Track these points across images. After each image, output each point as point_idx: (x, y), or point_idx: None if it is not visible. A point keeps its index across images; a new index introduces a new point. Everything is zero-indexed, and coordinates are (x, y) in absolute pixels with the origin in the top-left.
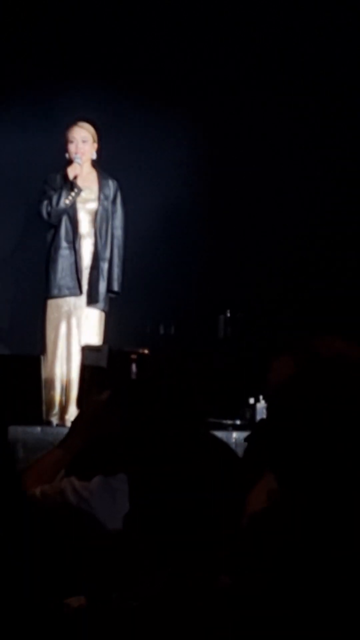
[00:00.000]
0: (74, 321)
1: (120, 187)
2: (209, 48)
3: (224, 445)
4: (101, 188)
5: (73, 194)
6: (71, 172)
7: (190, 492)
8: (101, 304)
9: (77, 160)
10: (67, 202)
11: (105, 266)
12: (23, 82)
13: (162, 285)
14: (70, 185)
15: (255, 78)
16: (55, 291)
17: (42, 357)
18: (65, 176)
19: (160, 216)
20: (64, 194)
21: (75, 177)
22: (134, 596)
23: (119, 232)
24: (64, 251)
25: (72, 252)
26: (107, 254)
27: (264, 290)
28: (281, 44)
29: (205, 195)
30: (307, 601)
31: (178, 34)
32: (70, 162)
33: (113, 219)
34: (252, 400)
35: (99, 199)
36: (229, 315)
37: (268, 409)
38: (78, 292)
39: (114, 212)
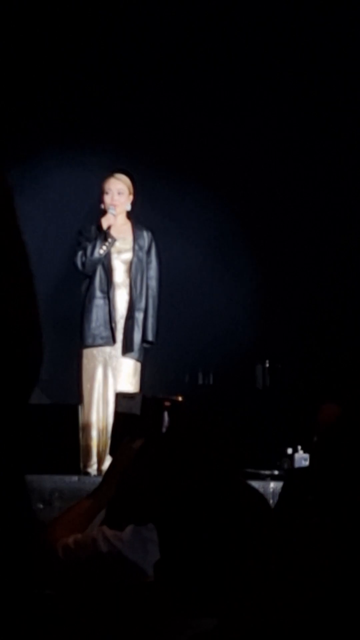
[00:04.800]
0: (109, 370)
1: (155, 238)
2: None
3: (257, 494)
4: (136, 239)
5: (107, 244)
6: (105, 222)
7: (221, 541)
8: (136, 353)
9: (111, 211)
10: (102, 252)
11: (140, 316)
12: (57, 135)
13: (201, 335)
14: (104, 235)
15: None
16: (89, 340)
17: (79, 406)
18: (100, 227)
19: (201, 266)
20: (98, 244)
21: (108, 228)
22: None
23: (153, 283)
24: (99, 301)
25: (106, 302)
26: (142, 304)
27: (302, 341)
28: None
29: (244, 246)
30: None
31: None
32: (104, 212)
33: (148, 269)
34: (290, 451)
35: (133, 249)
36: (267, 365)
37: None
38: (111, 341)
39: (148, 262)
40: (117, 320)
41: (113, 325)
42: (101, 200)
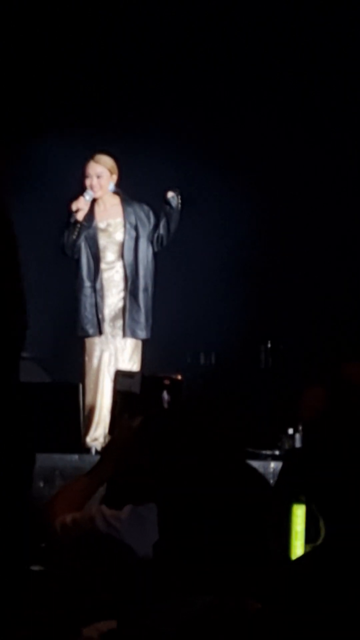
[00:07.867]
0: (113, 351)
1: (153, 210)
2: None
3: (257, 474)
4: (126, 217)
5: (77, 228)
6: (74, 205)
7: (220, 520)
8: (142, 332)
9: (86, 196)
10: (74, 237)
11: (143, 295)
12: (64, 117)
13: (204, 315)
14: (74, 220)
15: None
16: (79, 331)
17: (80, 385)
18: (70, 211)
19: (205, 246)
20: (70, 228)
21: (77, 211)
22: (164, 622)
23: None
24: (86, 290)
25: (93, 291)
26: (142, 283)
27: (305, 321)
28: None
29: (249, 226)
30: (338, 627)
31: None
32: (78, 196)
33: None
34: (291, 431)
35: (124, 228)
36: (270, 345)
37: (303, 443)
38: (97, 333)
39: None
40: (109, 307)
41: (100, 316)
42: (82, 184)
